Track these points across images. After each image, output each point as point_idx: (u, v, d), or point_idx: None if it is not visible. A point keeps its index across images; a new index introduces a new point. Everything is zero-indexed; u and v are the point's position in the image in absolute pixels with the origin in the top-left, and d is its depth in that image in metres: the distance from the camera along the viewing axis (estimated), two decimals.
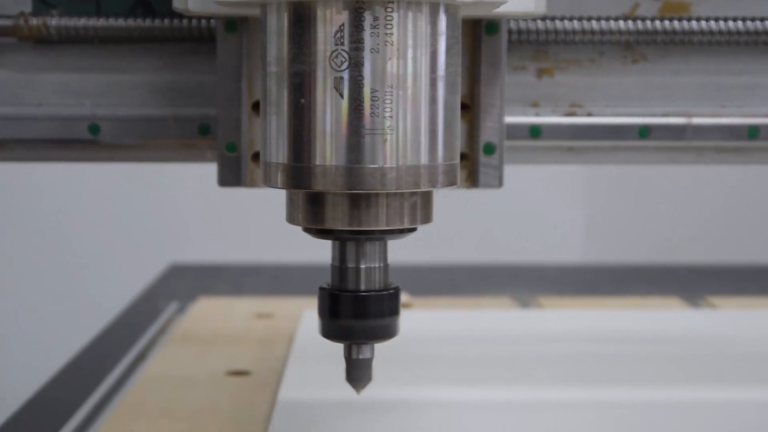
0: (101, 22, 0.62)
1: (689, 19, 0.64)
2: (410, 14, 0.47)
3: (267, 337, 0.92)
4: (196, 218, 1.90)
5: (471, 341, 0.85)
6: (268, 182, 0.50)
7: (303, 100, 0.48)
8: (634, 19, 0.63)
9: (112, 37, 0.63)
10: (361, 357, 0.53)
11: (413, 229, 0.51)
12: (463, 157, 0.61)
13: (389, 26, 0.47)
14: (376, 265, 0.52)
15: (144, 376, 0.81)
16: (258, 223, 1.63)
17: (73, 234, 1.89)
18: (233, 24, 0.60)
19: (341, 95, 0.47)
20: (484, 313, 0.98)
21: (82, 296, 1.85)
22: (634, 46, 0.65)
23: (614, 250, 1.85)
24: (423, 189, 0.49)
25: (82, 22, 0.62)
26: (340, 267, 0.52)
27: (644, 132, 0.65)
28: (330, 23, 0.47)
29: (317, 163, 0.48)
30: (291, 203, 0.51)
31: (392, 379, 0.70)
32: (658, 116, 0.65)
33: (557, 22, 0.63)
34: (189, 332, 0.94)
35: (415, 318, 0.94)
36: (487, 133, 0.61)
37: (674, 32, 0.64)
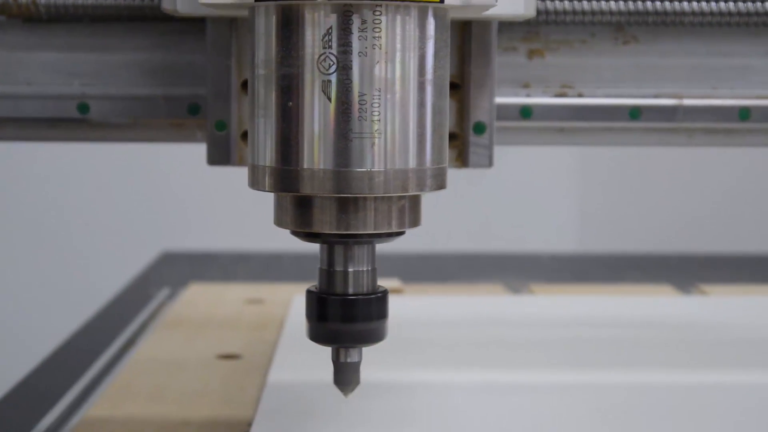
0: (91, 0, 0.62)
1: (681, 1, 0.63)
2: (398, 18, 0.47)
3: (258, 322, 0.92)
4: (187, 206, 1.90)
5: (462, 326, 0.85)
6: (256, 185, 0.50)
7: (291, 103, 0.47)
8: (626, 0, 0.63)
9: (101, 16, 0.63)
10: (349, 360, 0.52)
11: (401, 233, 0.51)
12: (453, 136, 0.61)
13: (377, 29, 0.47)
14: (364, 269, 0.52)
15: (133, 360, 0.81)
16: (250, 211, 1.63)
17: (64, 222, 1.89)
18: None
19: (329, 98, 0.47)
20: (475, 299, 0.98)
21: (73, 284, 1.85)
22: (626, 27, 0.65)
23: (608, 240, 1.85)
24: (411, 193, 0.49)
25: (71, 0, 0.62)
26: (328, 270, 0.52)
27: (635, 113, 0.65)
28: (318, 26, 0.47)
29: (305, 166, 0.48)
30: (279, 206, 0.51)
31: (382, 362, 0.70)
32: (649, 98, 0.65)
33: (548, 2, 0.63)
34: (179, 317, 0.94)
35: (406, 303, 0.94)
36: (477, 112, 0.61)
37: (665, 13, 0.63)
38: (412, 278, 1.09)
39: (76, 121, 0.65)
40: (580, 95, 0.65)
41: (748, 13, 0.64)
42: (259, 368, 0.77)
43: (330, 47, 0.47)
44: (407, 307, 0.91)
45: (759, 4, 0.64)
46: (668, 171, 1.92)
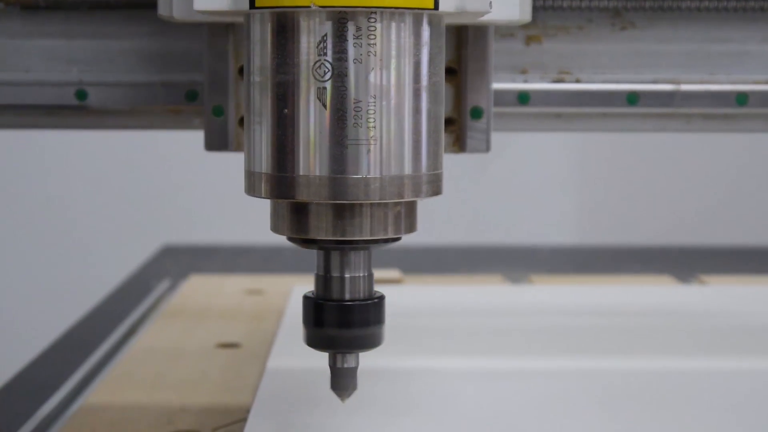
0: None
1: None
2: (393, 25, 0.47)
3: (257, 312, 0.92)
4: (188, 199, 1.90)
5: (461, 314, 0.85)
6: (252, 192, 0.50)
7: (286, 110, 0.48)
8: None
9: (99, 3, 0.63)
10: (345, 366, 0.52)
11: (398, 239, 0.51)
12: (450, 121, 0.61)
13: (372, 36, 0.47)
14: (361, 275, 0.52)
15: (133, 349, 0.81)
16: (249, 204, 1.63)
17: (66, 217, 1.90)
18: None
19: (324, 105, 0.47)
20: (474, 288, 0.98)
21: (74, 277, 1.85)
22: (623, 12, 0.65)
23: (608, 233, 1.85)
24: (407, 199, 0.49)
25: None
26: (324, 276, 0.52)
27: (633, 98, 0.65)
28: (313, 33, 0.47)
29: (301, 173, 0.48)
30: (275, 213, 0.51)
31: (380, 349, 0.70)
32: (646, 83, 0.65)
33: None
34: (179, 307, 0.94)
35: (406, 292, 0.94)
36: (474, 97, 0.61)
37: None
38: (412, 270, 1.09)
39: (74, 108, 0.65)
40: (577, 81, 0.65)
41: None
42: (259, 357, 0.77)
43: (325, 54, 0.47)
44: (406, 295, 0.91)
45: None
46: (668, 163, 1.92)
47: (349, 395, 0.53)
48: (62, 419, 0.66)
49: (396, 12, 0.47)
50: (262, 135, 0.49)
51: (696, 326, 0.81)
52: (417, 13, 0.48)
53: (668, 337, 0.78)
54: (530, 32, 0.65)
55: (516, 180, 1.91)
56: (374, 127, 0.47)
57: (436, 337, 0.78)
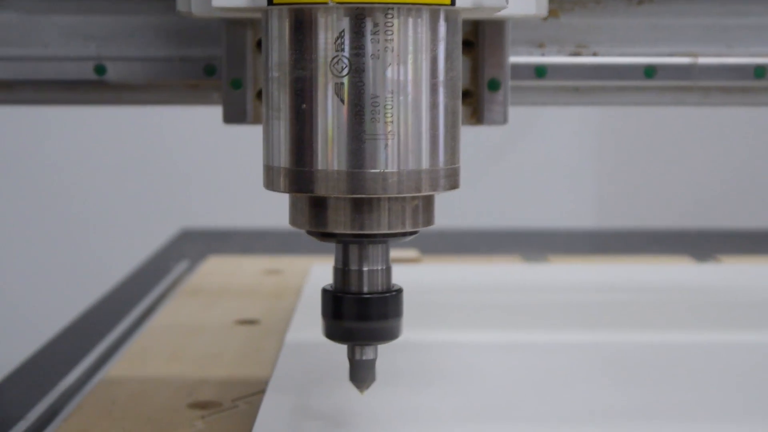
0: None
1: None
2: (410, 20, 0.48)
3: (276, 291, 0.92)
4: (206, 184, 1.91)
5: (478, 290, 0.86)
6: (271, 186, 0.50)
7: (304, 106, 0.48)
8: None
9: None
10: (364, 358, 0.53)
11: (415, 233, 0.51)
12: (467, 94, 0.61)
13: (389, 32, 0.47)
14: (379, 268, 0.52)
15: (152, 326, 0.81)
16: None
17: (85, 202, 1.91)
18: None
19: (342, 101, 0.47)
20: (492, 266, 0.99)
21: (93, 260, 1.87)
22: None
23: (626, 217, 1.85)
24: (424, 193, 0.49)
25: None
26: (343, 269, 0.52)
27: (650, 72, 0.65)
28: (331, 29, 0.47)
29: (319, 167, 0.48)
30: (294, 207, 0.51)
31: None
32: (664, 56, 0.65)
33: None
34: (198, 286, 0.95)
35: (424, 270, 0.94)
36: (492, 69, 0.61)
37: None
38: (430, 252, 1.09)
39: (93, 83, 0.65)
40: (594, 54, 0.65)
41: None
42: (277, 333, 0.77)
43: (343, 50, 0.47)
44: (425, 273, 0.91)
45: None
46: (686, 146, 1.91)
47: (367, 387, 0.53)
48: (83, 392, 0.67)
49: (413, 8, 0.47)
50: (280, 130, 0.49)
51: (712, 302, 0.81)
52: (434, 9, 0.48)
53: (685, 312, 0.78)
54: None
55: (534, 164, 1.91)
56: (392, 122, 0.47)
57: (454, 311, 0.78)
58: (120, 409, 0.62)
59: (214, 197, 1.91)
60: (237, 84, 0.61)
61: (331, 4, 0.46)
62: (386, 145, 0.47)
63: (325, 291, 0.52)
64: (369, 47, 0.47)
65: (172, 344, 0.76)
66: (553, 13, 0.66)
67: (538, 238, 1.30)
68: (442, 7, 0.48)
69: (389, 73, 0.47)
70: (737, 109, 1.83)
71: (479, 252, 1.17)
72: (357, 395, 0.54)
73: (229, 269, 1.02)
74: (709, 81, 0.65)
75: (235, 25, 0.61)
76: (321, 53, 0.48)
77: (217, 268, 1.03)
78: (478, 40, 0.61)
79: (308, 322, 0.74)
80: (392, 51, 0.47)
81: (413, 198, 0.50)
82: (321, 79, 0.48)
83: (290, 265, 1.03)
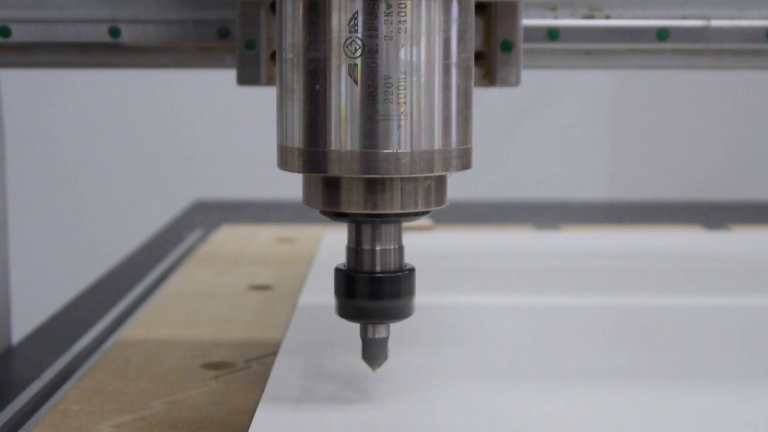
0: None
1: None
2: (423, 2, 0.48)
3: (289, 258, 0.93)
4: (219, 156, 1.92)
5: (491, 256, 0.86)
6: (284, 166, 0.50)
7: (318, 87, 0.48)
8: None
9: None
10: (377, 336, 0.53)
11: (427, 212, 0.52)
12: (480, 55, 0.62)
13: (402, 13, 0.47)
14: (392, 247, 0.52)
15: (166, 291, 0.82)
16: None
17: (97, 173, 1.93)
18: None
19: (355, 82, 0.47)
20: (504, 234, 0.99)
21: (106, 231, 1.88)
22: None
23: (638, 189, 1.85)
24: (437, 173, 0.49)
25: None
26: (356, 249, 0.52)
27: (662, 34, 0.65)
28: (344, 11, 0.47)
29: (332, 148, 0.48)
30: (307, 186, 0.51)
31: None
32: (676, 19, 0.65)
33: None
34: (212, 253, 0.95)
35: (437, 238, 0.94)
36: (504, 30, 0.61)
37: None
38: (443, 222, 1.10)
39: (107, 46, 0.66)
40: (607, 17, 0.65)
41: None
42: (290, 297, 0.78)
43: (356, 31, 0.47)
44: (438, 241, 0.92)
45: None
46: (700, 118, 1.91)
47: (380, 365, 0.54)
48: (98, 353, 0.67)
49: None
50: (294, 111, 0.49)
51: (720, 267, 0.82)
52: None
53: (692, 276, 0.79)
54: None
55: (546, 137, 1.91)
56: (404, 103, 0.48)
57: (465, 276, 0.79)
58: (134, 369, 0.63)
59: (227, 170, 1.92)
60: (251, 45, 0.61)
61: None
62: (399, 126, 0.48)
63: (338, 270, 0.53)
64: (382, 28, 0.47)
65: (186, 308, 0.76)
66: None
67: (550, 210, 1.30)
68: None
69: (402, 54, 0.48)
70: (751, 82, 1.82)
71: (491, 222, 1.17)
72: None
73: (242, 237, 1.02)
74: (721, 44, 0.65)
75: None
76: (334, 34, 0.48)
77: (230, 237, 1.03)
78: (491, 1, 0.61)
79: (321, 287, 0.74)
80: (405, 32, 0.48)
81: (426, 178, 0.50)
82: (334, 60, 0.48)
83: (303, 233, 1.04)
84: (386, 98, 0.47)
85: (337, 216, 0.51)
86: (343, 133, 0.48)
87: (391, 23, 0.47)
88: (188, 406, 0.57)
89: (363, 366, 0.54)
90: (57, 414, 0.56)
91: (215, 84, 1.83)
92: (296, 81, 0.49)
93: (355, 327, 0.54)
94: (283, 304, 0.77)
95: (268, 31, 0.61)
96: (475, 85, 0.56)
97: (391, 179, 0.49)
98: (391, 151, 0.48)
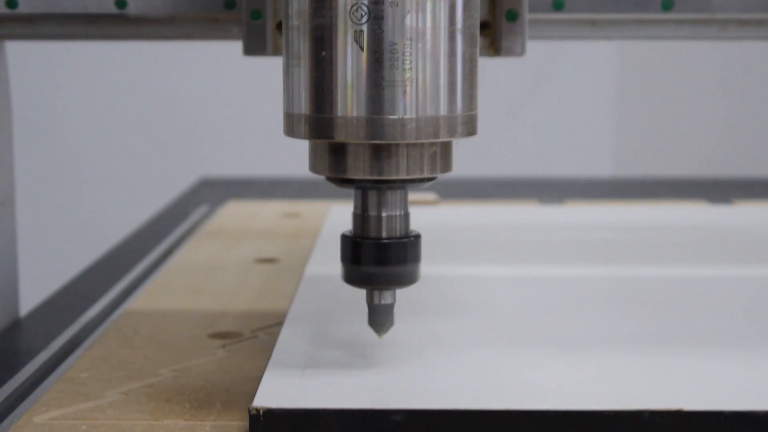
0: None
1: None
2: None
3: (295, 232, 0.93)
4: (225, 134, 1.92)
5: (496, 229, 0.86)
6: (291, 132, 0.51)
7: (324, 53, 0.48)
8: None
9: None
10: (383, 302, 0.53)
11: (433, 178, 0.52)
12: (485, 25, 0.62)
13: None
14: (397, 213, 0.52)
15: (173, 264, 0.82)
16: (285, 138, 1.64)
17: (103, 150, 1.94)
18: None
19: (361, 48, 0.48)
20: (508, 208, 0.99)
21: (112, 208, 1.89)
22: None
23: (644, 166, 1.85)
24: (442, 139, 0.50)
25: None
26: (362, 215, 0.53)
27: (667, 4, 0.65)
28: None
29: (339, 114, 0.48)
30: (314, 153, 0.52)
31: None
32: None
33: None
34: (218, 228, 0.96)
35: (442, 211, 0.95)
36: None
37: None
38: (448, 198, 1.10)
39: (114, 17, 0.66)
40: None
41: None
42: (296, 270, 0.78)
43: None
44: (442, 214, 0.92)
45: None
46: (706, 96, 1.91)
47: (386, 331, 0.54)
48: (106, 324, 0.68)
49: None
50: (300, 77, 0.49)
51: (723, 239, 0.82)
52: None
53: (695, 248, 0.79)
54: None
55: (552, 114, 1.91)
56: (410, 69, 0.48)
57: (470, 248, 0.79)
58: (141, 339, 0.63)
59: (233, 148, 1.93)
60: (257, 15, 0.61)
61: None
62: (405, 92, 0.48)
63: (344, 236, 0.53)
64: None
65: (193, 280, 0.76)
66: None
67: (555, 186, 1.30)
68: None
69: (408, 20, 0.48)
70: (758, 59, 1.82)
71: (496, 198, 1.17)
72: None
73: (248, 213, 1.03)
74: (726, 13, 0.65)
75: None
76: (341, 1, 0.48)
77: (236, 212, 1.03)
78: None
79: (327, 258, 0.75)
80: None
81: (431, 144, 0.50)
82: (340, 27, 0.48)
83: (309, 208, 1.04)
84: (392, 64, 0.48)
85: (343, 182, 0.52)
86: (349, 99, 0.48)
87: None
88: (195, 374, 0.57)
89: (369, 333, 0.54)
90: (65, 381, 0.56)
91: (222, 65, 1.84)
92: (302, 48, 0.49)
93: (360, 297, 0.54)
94: (289, 276, 0.77)
95: (273, 1, 0.62)
96: (480, 54, 0.56)
97: (397, 145, 0.49)
98: (396, 117, 0.48)
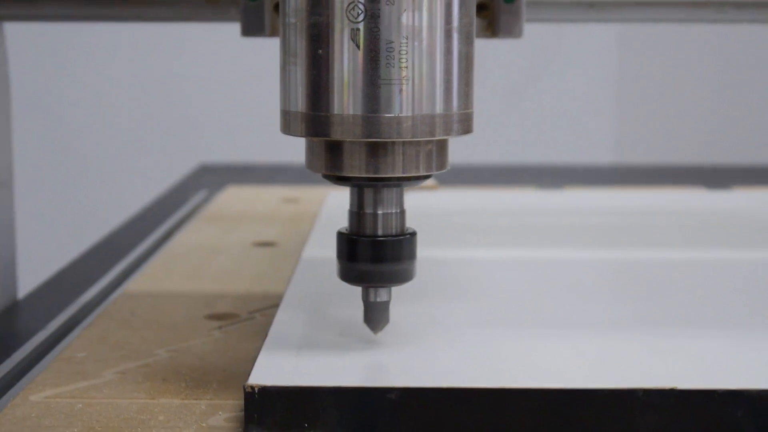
0: None
1: None
2: None
3: (293, 217, 0.93)
4: (225, 120, 1.93)
5: (495, 214, 0.86)
6: (287, 130, 0.51)
7: (321, 51, 0.48)
8: None
9: None
10: (378, 300, 0.53)
11: (429, 176, 0.52)
12: (483, 7, 0.62)
13: None
14: (393, 211, 0.52)
15: (172, 247, 0.82)
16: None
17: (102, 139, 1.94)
18: None
19: (358, 46, 0.48)
20: (507, 193, 0.99)
21: (111, 193, 1.90)
22: None
23: (644, 152, 1.86)
24: (438, 137, 0.50)
25: None
26: (358, 213, 0.53)
27: None
28: None
29: (335, 112, 0.49)
30: (310, 150, 0.52)
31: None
32: None
33: None
34: (217, 213, 0.96)
35: (441, 196, 0.95)
36: None
37: None
38: (447, 184, 1.10)
39: None
40: None
41: None
42: (294, 253, 0.78)
43: None
44: (441, 199, 0.92)
45: None
46: (705, 82, 1.91)
47: (381, 328, 0.54)
48: (104, 305, 0.68)
49: None
50: (297, 75, 0.50)
51: (720, 223, 0.83)
52: None
53: (692, 231, 0.80)
54: None
55: (551, 101, 1.91)
56: (406, 67, 0.48)
57: (469, 231, 0.79)
58: (139, 320, 0.63)
59: (233, 134, 1.93)
60: None
61: None
62: (401, 90, 0.48)
63: (340, 234, 0.53)
64: None
65: (191, 263, 0.77)
66: None
67: (554, 173, 1.31)
68: None
69: (404, 18, 0.48)
70: (758, 47, 1.82)
71: (495, 185, 1.17)
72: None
73: (247, 197, 1.03)
74: None
75: None
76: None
77: (235, 197, 1.03)
78: None
79: (324, 242, 0.75)
80: None
81: (427, 142, 0.50)
82: (337, 25, 0.48)
83: (308, 194, 1.04)
84: (388, 62, 0.48)
85: (340, 180, 0.52)
86: (346, 98, 0.48)
87: None
88: (192, 354, 0.57)
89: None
90: (62, 361, 0.56)
91: (222, 51, 1.84)
92: (299, 46, 0.49)
93: None
94: (287, 259, 0.77)
95: None
96: (478, 36, 0.56)
97: (393, 143, 0.50)
98: (392, 115, 0.48)
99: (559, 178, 1.24)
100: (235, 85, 1.93)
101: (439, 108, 0.49)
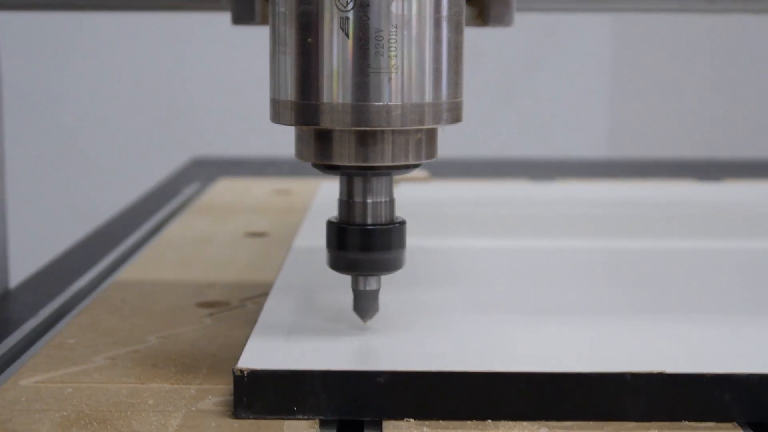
0: None
1: None
2: None
3: (285, 208, 0.93)
4: (217, 113, 1.93)
5: (487, 204, 0.87)
6: (277, 119, 0.51)
7: (310, 40, 0.48)
8: None
9: None
10: (368, 288, 0.53)
11: (418, 165, 0.52)
12: None
13: None
14: (383, 200, 0.53)
15: (164, 237, 0.82)
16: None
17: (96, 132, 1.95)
18: None
19: (347, 35, 0.48)
20: (499, 184, 1.00)
21: (102, 187, 1.90)
22: None
23: (636, 146, 1.86)
24: (427, 126, 0.50)
25: None
26: (347, 201, 0.53)
27: None
28: None
29: (324, 100, 0.49)
30: (299, 139, 0.52)
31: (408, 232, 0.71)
32: None
33: None
34: (209, 204, 0.96)
35: (433, 187, 0.95)
36: None
37: None
38: (439, 177, 1.10)
39: None
40: None
41: None
42: (285, 243, 0.78)
43: None
44: (433, 190, 0.92)
45: None
46: (699, 77, 1.91)
47: (370, 317, 0.54)
48: (95, 293, 0.68)
49: None
50: (286, 64, 0.50)
51: (711, 213, 0.83)
52: None
53: (683, 222, 0.80)
54: None
55: (544, 96, 1.91)
56: (395, 56, 0.48)
57: (462, 221, 0.79)
58: (130, 308, 0.63)
59: (225, 128, 1.93)
60: None
61: None
62: (390, 79, 0.48)
63: (329, 222, 0.53)
64: None
65: (183, 253, 0.77)
66: None
67: (547, 167, 1.31)
68: None
69: (393, 7, 0.48)
70: (753, 42, 1.82)
71: (488, 178, 1.17)
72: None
73: (239, 189, 1.03)
74: None
75: None
76: None
77: (227, 189, 1.04)
78: None
79: (316, 232, 0.75)
80: None
81: (417, 131, 0.50)
82: (326, 14, 0.48)
83: (299, 185, 1.04)
84: (377, 51, 0.48)
85: (329, 168, 0.52)
86: (335, 86, 0.48)
87: None
88: (182, 340, 0.57)
89: None
90: (52, 347, 0.56)
91: (214, 44, 1.84)
92: (288, 34, 0.49)
93: None
94: (278, 249, 0.77)
95: None
96: (468, 24, 0.56)
97: (383, 132, 0.50)
98: (382, 103, 0.48)
99: (552, 171, 1.24)
100: (227, 80, 1.93)
101: (428, 97, 0.49)
